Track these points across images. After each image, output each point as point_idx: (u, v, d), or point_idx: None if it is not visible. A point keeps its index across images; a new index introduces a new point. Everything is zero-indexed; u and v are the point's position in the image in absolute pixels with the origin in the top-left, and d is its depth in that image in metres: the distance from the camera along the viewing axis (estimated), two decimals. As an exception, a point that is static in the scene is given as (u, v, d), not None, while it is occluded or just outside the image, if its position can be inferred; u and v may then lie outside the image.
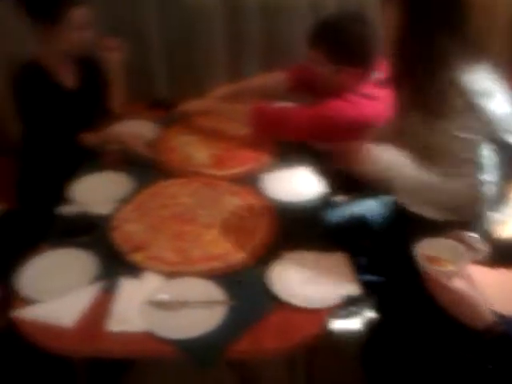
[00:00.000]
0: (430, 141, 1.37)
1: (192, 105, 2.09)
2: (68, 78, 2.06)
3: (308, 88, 2.04)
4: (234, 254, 1.43)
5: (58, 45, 1.94)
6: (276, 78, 2.15)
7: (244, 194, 1.68)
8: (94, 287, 1.34)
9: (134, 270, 1.39)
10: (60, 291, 1.33)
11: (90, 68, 2.15)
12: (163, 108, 2.32)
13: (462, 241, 1.16)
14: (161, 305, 1.28)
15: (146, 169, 1.86)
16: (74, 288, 1.34)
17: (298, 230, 1.53)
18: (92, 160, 1.92)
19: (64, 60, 2.03)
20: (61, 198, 1.70)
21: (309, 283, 1.36)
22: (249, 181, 1.77)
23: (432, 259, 1.10)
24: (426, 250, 1.12)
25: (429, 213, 1.47)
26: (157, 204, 1.66)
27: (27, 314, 1.26)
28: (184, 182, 1.76)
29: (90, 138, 1.97)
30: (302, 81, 2.07)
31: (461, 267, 1.08)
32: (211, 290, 1.33)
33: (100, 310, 1.28)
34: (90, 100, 2.15)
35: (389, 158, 1.41)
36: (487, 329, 0.99)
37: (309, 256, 1.44)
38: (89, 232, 1.52)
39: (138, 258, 1.42)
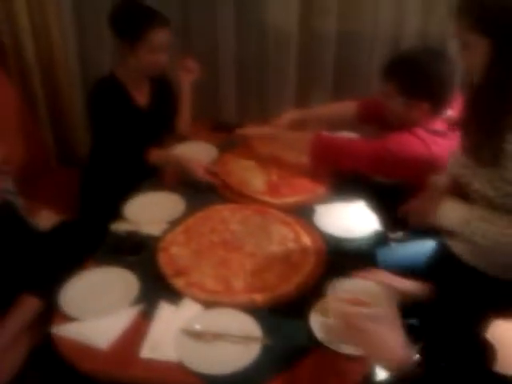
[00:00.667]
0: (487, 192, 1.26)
1: (252, 130, 2.06)
2: (141, 96, 2.12)
3: (377, 121, 1.96)
4: (277, 288, 1.38)
5: (135, 63, 1.99)
6: (346, 107, 2.10)
7: (294, 224, 1.63)
8: (133, 310, 1.33)
9: (173, 296, 1.37)
10: (100, 310, 1.33)
11: (162, 88, 2.20)
12: (226, 131, 2.33)
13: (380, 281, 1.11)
14: (195, 335, 1.25)
15: (201, 191, 1.86)
16: (114, 308, 1.34)
17: (348, 267, 1.45)
18: (151, 179, 1.95)
19: (139, 78, 2.09)
20: (116, 214, 1.73)
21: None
22: (302, 211, 1.72)
23: (350, 301, 1.09)
24: (343, 290, 1.12)
25: (493, 270, 1.35)
26: (206, 228, 1.64)
27: (65, 331, 1.27)
28: (236, 207, 1.74)
29: (154, 156, 2.00)
30: (372, 113, 2.00)
31: (380, 309, 1.05)
32: (248, 325, 1.28)
33: (135, 334, 1.27)
34: (159, 119, 2.20)
35: (464, 212, 1.31)
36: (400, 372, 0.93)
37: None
38: (137, 252, 1.52)
39: (179, 283, 1.40)
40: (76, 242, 1.75)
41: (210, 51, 2.57)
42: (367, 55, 2.47)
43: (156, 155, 2.01)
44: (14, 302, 1.41)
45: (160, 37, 1.95)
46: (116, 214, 1.72)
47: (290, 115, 2.09)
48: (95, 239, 1.63)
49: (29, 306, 1.41)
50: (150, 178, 1.96)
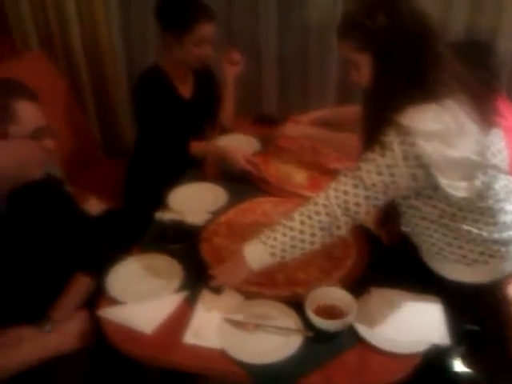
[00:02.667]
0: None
1: (293, 130, 2.03)
2: (185, 87, 2.14)
3: None
4: (319, 281, 1.38)
5: (180, 56, 2.01)
6: None
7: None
8: (177, 297, 1.36)
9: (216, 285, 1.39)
10: (144, 295, 1.37)
11: (205, 80, 2.22)
12: (268, 124, 2.33)
13: None
14: (237, 324, 1.27)
15: (242, 183, 1.88)
16: (159, 294, 1.37)
17: (391, 265, 1.44)
18: (193, 170, 1.98)
19: (183, 70, 2.11)
20: (160, 203, 1.77)
21: (395, 324, 1.27)
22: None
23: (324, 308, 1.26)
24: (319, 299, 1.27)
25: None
26: (248, 220, 1.65)
27: (111, 314, 1.31)
28: (278, 201, 1.75)
29: (195, 148, 2.03)
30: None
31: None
32: (290, 317, 1.29)
33: (179, 320, 1.30)
34: (202, 111, 2.22)
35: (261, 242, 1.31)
36: None
37: (399, 295, 1.34)
38: (180, 241, 1.55)
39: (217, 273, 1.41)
40: (121, 230, 1.79)
41: (253, 44, 2.56)
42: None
43: (197, 146, 2.03)
44: (67, 282, 1.47)
45: (206, 30, 1.96)
46: (160, 204, 1.75)
47: (315, 115, 2.09)
48: (140, 227, 1.67)
49: (83, 285, 1.47)
50: (193, 168, 1.99)
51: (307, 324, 1.26)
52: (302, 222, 1.24)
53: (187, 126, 2.11)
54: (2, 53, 2.44)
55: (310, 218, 1.24)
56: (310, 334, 1.23)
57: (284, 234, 1.25)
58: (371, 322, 1.27)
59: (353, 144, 1.80)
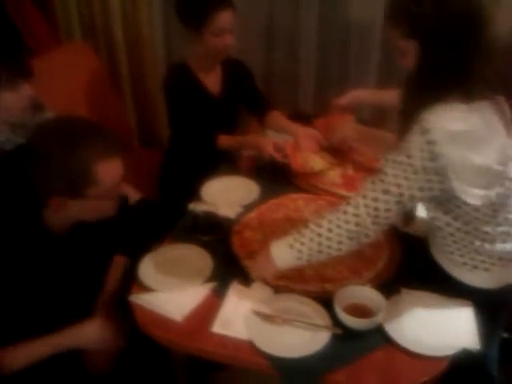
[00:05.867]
0: None
1: (342, 133, 2.00)
2: (213, 83, 2.13)
3: None
4: (348, 279, 1.38)
5: (202, 49, 2.00)
6: None
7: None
8: (207, 287, 1.38)
9: (245, 278, 1.40)
10: (175, 284, 1.39)
11: (234, 73, 2.20)
12: (303, 120, 2.33)
13: None
14: (265, 317, 1.28)
15: (275, 178, 1.88)
16: (189, 283, 1.39)
17: (423, 267, 1.42)
18: (227, 163, 2.00)
19: (209, 64, 2.10)
20: (193, 195, 1.79)
21: (424, 326, 1.26)
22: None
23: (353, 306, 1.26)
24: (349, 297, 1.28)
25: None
26: (280, 215, 1.66)
27: (142, 300, 1.34)
28: (310, 197, 1.75)
29: (223, 141, 2.04)
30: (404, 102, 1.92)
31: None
32: (318, 313, 1.29)
33: (208, 310, 1.32)
34: (232, 105, 2.22)
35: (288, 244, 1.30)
36: None
37: (429, 297, 1.33)
38: (212, 232, 1.57)
39: (251, 265, 1.42)
40: (155, 219, 1.83)
41: (293, 40, 2.56)
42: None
43: (225, 139, 2.04)
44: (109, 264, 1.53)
45: (224, 18, 1.92)
46: (193, 195, 1.78)
47: (353, 95, 2.04)
48: (173, 218, 1.70)
49: (121, 267, 1.52)
50: (226, 162, 2.01)
51: (335, 321, 1.26)
52: (330, 230, 1.23)
53: (217, 121, 2.12)
54: (47, 42, 2.52)
55: (338, 226, 1.22)
56: (339, 331, 1.23)
57: (311, 240, 1.24)
58: (400, 322, 1.26)
59: (393, 142, 1.79)
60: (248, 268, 1.40)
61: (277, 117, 2.19)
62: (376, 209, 1.19)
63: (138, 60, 2.73)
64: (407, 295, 1.33)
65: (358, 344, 1.22)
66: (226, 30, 1.96)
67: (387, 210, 1.19)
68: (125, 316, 1.41)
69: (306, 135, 2.00)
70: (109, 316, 1.41)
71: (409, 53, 1.24)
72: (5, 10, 2.38)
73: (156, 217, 1.92)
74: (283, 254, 1.28)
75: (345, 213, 1.22)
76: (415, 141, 1.14)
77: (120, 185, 1.29)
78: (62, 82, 2.17)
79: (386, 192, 1.18)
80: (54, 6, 2.63)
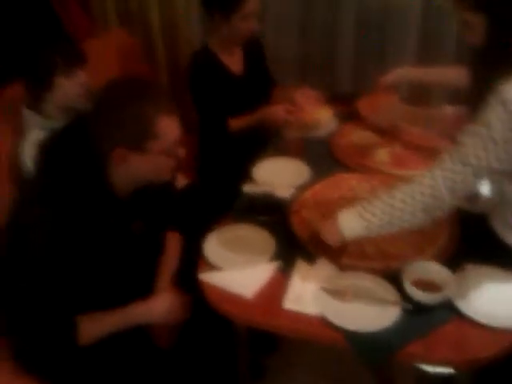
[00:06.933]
0: None
1: (388, 114, 2.00)
2: (235, 64, 2.16)
3: None
4: (411, 256, 1.39)
5: (229, 32, 2.03)
6: (461, 73, 2.01)
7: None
8: (272, 265, 1.41)
9: (308, 257, 1.42)
10: (241, 262, 1.42)
11: (255, 53, 2.23)
12: (343, 102, 2.33)
13: None
14: (334, 293, 1.30)
15: (323, 159, 1.90)
16: (254, 262, 1.42)
17: (485, 243, 1.43)
18: (275, 144, 2.02)
19: (232, 46, 2.12)
20: (242, 176, 1.81)
21: (493, 300, 1.27)
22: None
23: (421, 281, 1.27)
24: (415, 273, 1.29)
25: None
26: (335, 195, 1.68)
27: (211, 278, 1.38)
28: (363, 177, 1.76)
29: (237, 123, 2.06)
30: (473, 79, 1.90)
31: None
32: (385, 289, 1.31)
33: (276, 287, 1.35)
34: (255, 84, 2.23)
35: (357, 213, 1.31)
36: None
37: (495, 272, 1.34)
38: (271, 212, 1.59)
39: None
40: (208, 202, 1.87)
41: (328, 25, 2.55)
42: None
43: (235, 122, 2.07)
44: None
45: (252, 4, 1.97)
46: (242, 177, 1.80)
47: (398, 73, 2.04)
48: (226, 199, 1.73)
49: (177, 244, 1.57)
50: (271, 144, 2.03)
51: (404, 297, 1.28)
52: (404, 201, 1.23)
53: (242, 101, 2.14)
54: (85, 29, 2.54)
55: (413, 197, 1.23)
56: (409, 306, 1.25)
57: (382, 211, 1.25)
58: (469, 296, 1.27)
59: (441, 120, 1.80)
60: (312, 242, 1.41)
61: (280, 90, 2.27)
62: (453, 180, 1.19)
63: (175, 46, 2.73)
64: (472, 270, 1.35)
65: (428, 318, 1.24)
66: (253, 15, 2.00)
67: (464, 182, 1.20)
68: (188, 291, 1.46)
69: (302, 93, 2.10)
70: (173, 291, 1.46)
71: (477, 26, 1.24)
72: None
73: (207, 198, 1.96)
74: (351, 223, 1.29)
75: (420, 184, 1.23)
76: (494, 112, 1.14)
77: (179, 144, 1.30)
78: (103, 68, 2.19)
79: (464, 163, 1.18)
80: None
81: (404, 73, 2.06)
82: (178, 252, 1.60)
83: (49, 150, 1.29)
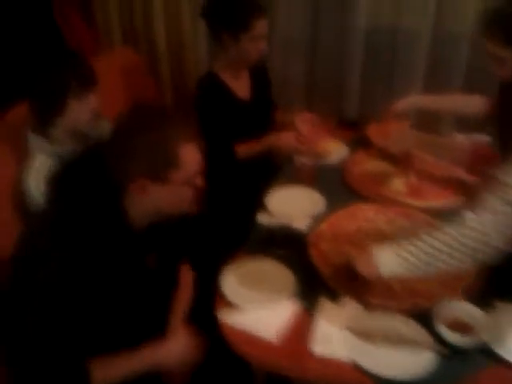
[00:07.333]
0: None
1: (401, 141, 1.94)
2: (242, 88, 2.10)
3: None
4: (439, 293, 1.33)
5: (237, 55, 1.97)
6: (473, 102, 1.98)
7: (447, 229, 1.57)
8: (294, 303, 1.34)
9: (331, 293, 1.36)
10: (261, 301, 1.35)
11: (261, 76, 2.18)
12: (352, 128, 2.30)
13: None
14: (364, 335, 1.23)
15: (337, 187, 1.85)
16: (275, 300, 1.35)
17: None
18: (286, 172, 1.96)
19: (238, 70, 2.07)
20: (252, 205, 1.75)
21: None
22: (445, 216, 1.65)
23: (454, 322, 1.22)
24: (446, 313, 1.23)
25: None
26: (352, 226, 1.62)
27: (231, 318, 1.30)
28: (380, 208, 1.70)
29: (244, 150, 2.01)
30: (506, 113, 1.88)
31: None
32: (415, 330, 1.25)
33: (301, 328, 1.28)
34: (262, 109, 2.18)
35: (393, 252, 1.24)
36: None
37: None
38: (289, 245, 1.53)
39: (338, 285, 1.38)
40: (218, 233, 1.79)
41: (338, 45, 2.52)
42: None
43: (242, 149, 2.01)
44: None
45: (262, 25, 1.92)
46: (254, 206, 1.74)
47: (410, 101, 2.02)
48: (237, 230, 1.66)
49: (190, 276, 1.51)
50: (282, 172, 1.98)
51: (436, 339, 1.21)
52: (447, 245, 1.17)
53: (249, 126, 2.08)
54: (90, 47, 2.47)
55: (456, 240, 1.16)
56: (444, 350, 1.19)
57: (424, 252, 1.19)
58: (503, 338, 1.21)
59: (453, 148, 1.76)
60: (335, 278, 1.35)
61: (280, 113, 2.25)
62: (497, 223, 1.13)
63: (180, 64, 2.67)
64: (504, 309, 1.29)
65: (464, 363, 1.18)
66: (263, 36, 1.96)
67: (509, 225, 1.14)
68: (202, 329, 1.38)
69: (303, 120, 2.05)
70: (189, 332, 1.38)
71: (508, 61, 1.22)
72: (52, 15, 2.33)
73: (217, 228, 1.89)
74: (389, 261, 1.23)
75: (466, 227, 1.16)
76: None
77: (199, 173, 1.23)
78: (108, 87, 2.12)
79: (508, 203, 1.13)
80: (95, 10, 2.58)
81: (414, 100, 2.04)
82: (191, 287, 1.52)
83: (61, 180, 1.21)
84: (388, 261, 1.23)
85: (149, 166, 1.15)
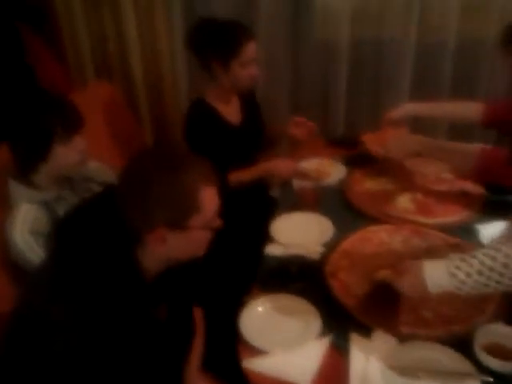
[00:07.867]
0: None
1: (402, 147, 1.86)
2: (232, 114, 2.04)
3: (507, 128, 1.84)
4: (471, 317, 1.27)
5: (228, 81, 1.91)
6: (469, 108, 1.94)
7: (465, 246, 1.52)
8: (324, 341, 1.25)
9: (360, 326, 1.27)
10: (286, 341, 1.25)
11: (249, 101, 2.12)
12: (344, 146, 2.25)
13: None
14: (404, 371, 1.15)
15: (342, 209, 1.79)
16: (301, 339, 1.26)
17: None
18: (285, 199, 1.88)
19: (229, 97, 2.01)
20: (258, 237, 1.66)
21: None
22: (461, 232, 1.61)
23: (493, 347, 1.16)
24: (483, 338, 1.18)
25: None
26: (367, 250, 1.55)
27: (259, 365, 1.20)
28: (392, 228, 1.64)
29: (237, 177, 1.93)
30: (502, 118, 1.86)
31: None
32: (454, 359, 1.18)
33: (335, 368, 1.19)
34: (253, 133, 2.12)
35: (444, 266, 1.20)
36: None
37: None
38: (304, 277, 1.44)
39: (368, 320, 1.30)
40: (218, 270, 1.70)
41: (322, 63, 2.50)
42: (487, 67, 2.36)
43: (234, 176, 1.93)
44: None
45: (251, 49, 1.87)
46: (260, 237, 1.65)
47: (406, 108, 1.98)
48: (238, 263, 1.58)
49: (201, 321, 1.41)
50: (285, 199, 1.91)
51: (477, 367, 1.14)
52: (506, 266, 1.12)
53: (239, 151, 2.02)
54: (61, 84, 2.36)
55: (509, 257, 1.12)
56: (490, 379, 1.12)
57: (480, 273, 1.13)
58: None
59: (465, 154, 1.70)
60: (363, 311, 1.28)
61: (272, 129, 2.21)
62: None
63: (159, 98, 2.58)
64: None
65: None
66: (253, 61, 1.90)
67: None
68: (222, 377, 1.30)
69: (297, 124, 2.06)
70: (206, 381, 1.28)
71: None
72: (23, 55, 2.22)
73: (221, 264, 1.79)
74: (440, 280, 1.17)
75: None
76: None
77: (217, 215, 1.14)
78: (88, 123, 2.02)
79: None
80: (65, 46, 2.46)
81: (411, 107, 2.00)
82: (203, 332, 1.41)
83: (66, 230, 1.10)
84: (440, 281, 1.17)
85: (169, 214, 1.05)
